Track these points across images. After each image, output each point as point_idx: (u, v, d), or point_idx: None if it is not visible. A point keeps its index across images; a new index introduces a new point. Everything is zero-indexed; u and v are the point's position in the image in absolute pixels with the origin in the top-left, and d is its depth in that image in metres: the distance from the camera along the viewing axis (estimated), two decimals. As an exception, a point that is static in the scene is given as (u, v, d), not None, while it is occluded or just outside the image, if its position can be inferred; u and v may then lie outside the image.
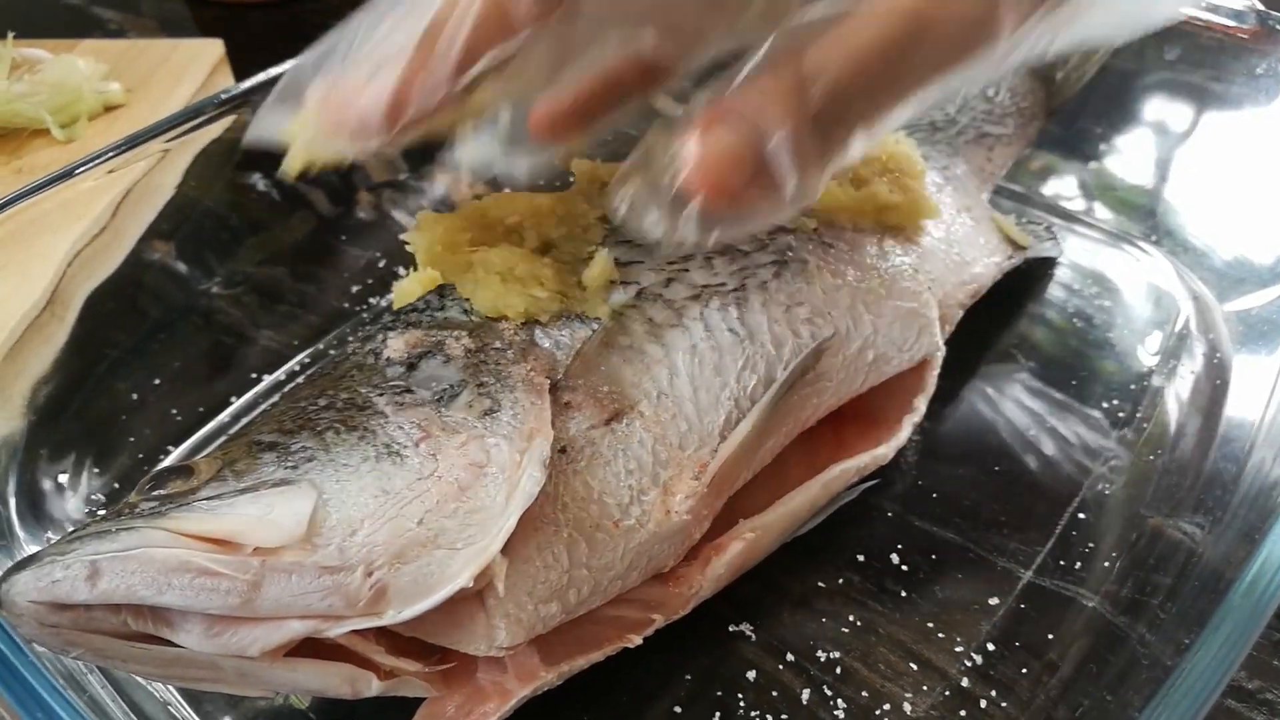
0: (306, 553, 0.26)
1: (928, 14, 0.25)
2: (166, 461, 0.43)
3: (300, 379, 0.47)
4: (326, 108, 0.29)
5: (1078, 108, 0.57)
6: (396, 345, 0.34)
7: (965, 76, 0.26)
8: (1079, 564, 0.38)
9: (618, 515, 0.31)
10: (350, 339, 0.37)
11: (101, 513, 0.28)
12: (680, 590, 0.34)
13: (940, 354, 0.41)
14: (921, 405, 0.40)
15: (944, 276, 0.43)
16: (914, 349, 0.39)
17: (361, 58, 0.29)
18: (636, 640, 0.33)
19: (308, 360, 0.49)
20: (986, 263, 0.46)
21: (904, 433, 0.40)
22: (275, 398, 0.35)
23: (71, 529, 0.28)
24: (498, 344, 0.33)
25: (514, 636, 0.29)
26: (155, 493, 0.28)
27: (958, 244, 0.44)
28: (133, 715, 0.31)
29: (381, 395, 0.31)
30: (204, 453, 0.31)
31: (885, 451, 0.39)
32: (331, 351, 0.49)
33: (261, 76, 0.51)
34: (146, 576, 0.25)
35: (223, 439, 0.35)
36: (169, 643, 0.27)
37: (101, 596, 0.25)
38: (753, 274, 0.37)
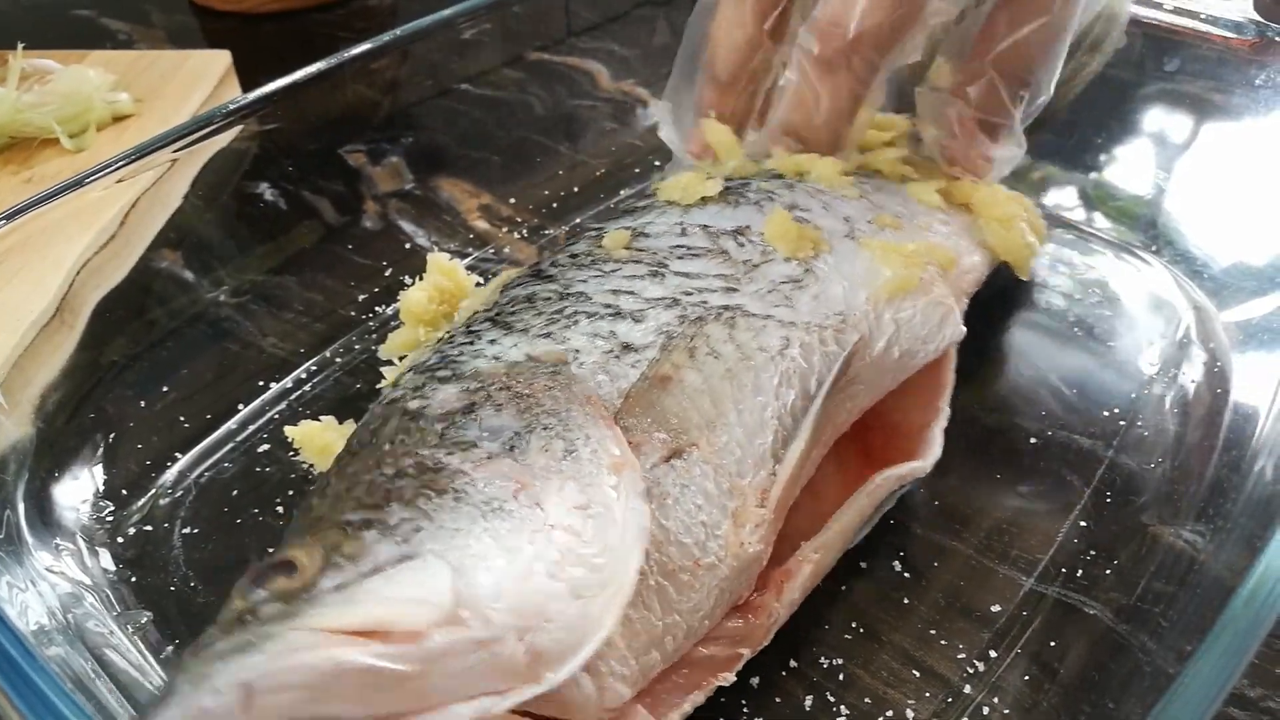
0: (457, 630, 0.25)
1: None
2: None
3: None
4: None
5: (1077, 118, 0.58)
6: (437, 402, 0.32)
7: None
8: (1080, 571, 0.38)
9: (697, 554, 0.31)
10: (375, 405, 0.35)
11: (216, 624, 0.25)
12: (761, 621, 0.33)
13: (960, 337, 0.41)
14: (945, 406, 0.41)
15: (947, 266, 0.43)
16: (938, 339, 0.40)
17: None
18: (731, 677, 0.32)
19: (315, 368, 0.49)
20: (984, 251, 0.46)
21: (937, 442, 0.39)
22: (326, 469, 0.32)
23: (195, 643, 0.24)
24: (541, 384, 0.32)
25: (620, 695, 0.29)
26: (263, 590, 0.25)
27: (955, 234, 0.45)
28: (132, 709, 0.31)
29: (450, 455, 0.29)
30: (292, 543, 0.28)
31: (924, 464, 0.39)
32: (338, 360, 0.50)
33: (269, 87, 0.51)
34: (304, 691, 0.23)
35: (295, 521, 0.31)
36: None
37: (259, 718, 0.23)
38: (775, 289, 0.37)
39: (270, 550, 0.39)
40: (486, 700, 0.25)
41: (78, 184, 0.44)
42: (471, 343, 0.36)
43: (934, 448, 0.39)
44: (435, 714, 0.24)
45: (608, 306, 0.36)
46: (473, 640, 0.25)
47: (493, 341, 0.35)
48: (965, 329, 0.41)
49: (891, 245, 0.40)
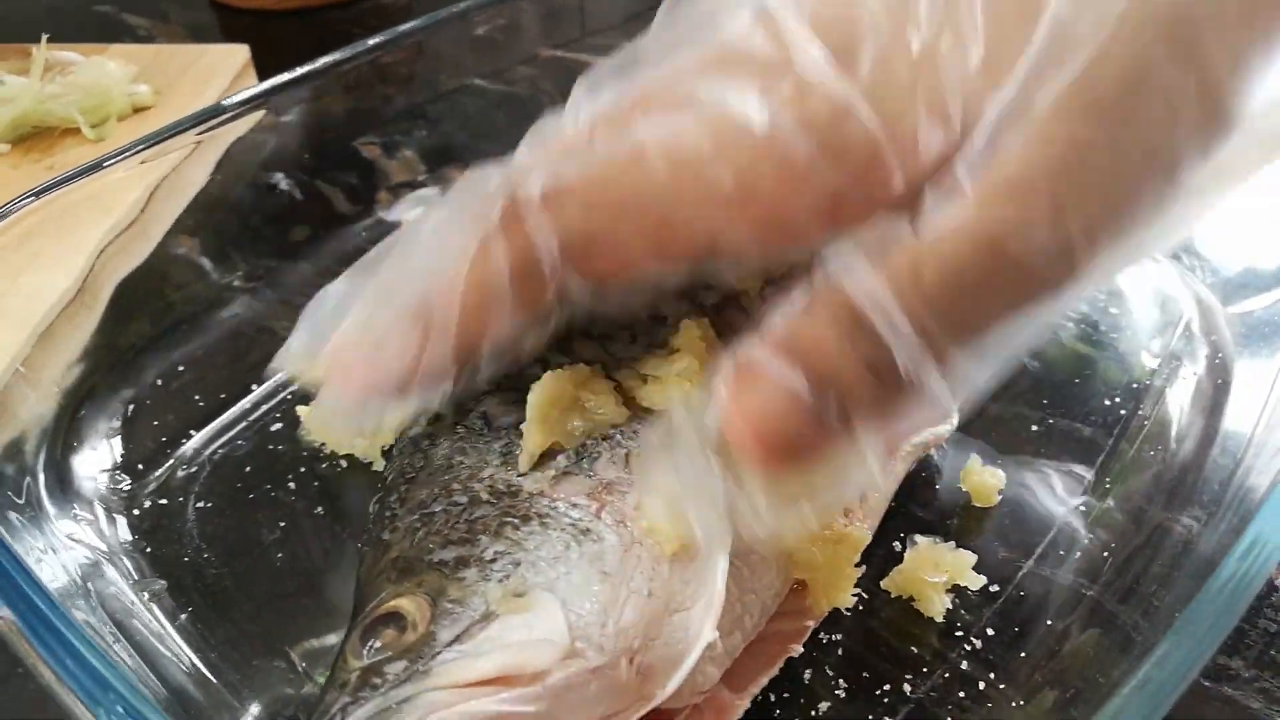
0: (575, 661, 0.25)
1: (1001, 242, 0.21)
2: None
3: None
4: (336, 381, 0.27)
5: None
6: (492, 416, 0.32)
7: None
8: (1079, 554, 0.38)
9: None
10: (413, 429, 0.34)
11: (342, 694, 0.25)
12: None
13: None
14: None
15: None
16: None
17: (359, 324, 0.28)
18: (799, 649, 0.33)
19: (326, 351, 0.50)
20: None
21: (954, 412, 0.41)
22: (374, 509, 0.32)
23: (322, 710, 0.25)
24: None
25: (711, 677, 0.29)
26: (377, 647, 0.26)
27: None
28: (151, 674, 0.32)
29: (520, 475, 0.30)
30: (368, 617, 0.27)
31: (947, 428, 0.40)
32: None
33: (285, 76, 0.52)
34: None
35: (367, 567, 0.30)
36: None
37: None
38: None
39: (283, 525, 0.41)
40: None
41: (98, 166, 0.45)
42: None
43: (952, 416, 0.40)
44: None
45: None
46: (589, 670, 0.25)
47: None
48: None
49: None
